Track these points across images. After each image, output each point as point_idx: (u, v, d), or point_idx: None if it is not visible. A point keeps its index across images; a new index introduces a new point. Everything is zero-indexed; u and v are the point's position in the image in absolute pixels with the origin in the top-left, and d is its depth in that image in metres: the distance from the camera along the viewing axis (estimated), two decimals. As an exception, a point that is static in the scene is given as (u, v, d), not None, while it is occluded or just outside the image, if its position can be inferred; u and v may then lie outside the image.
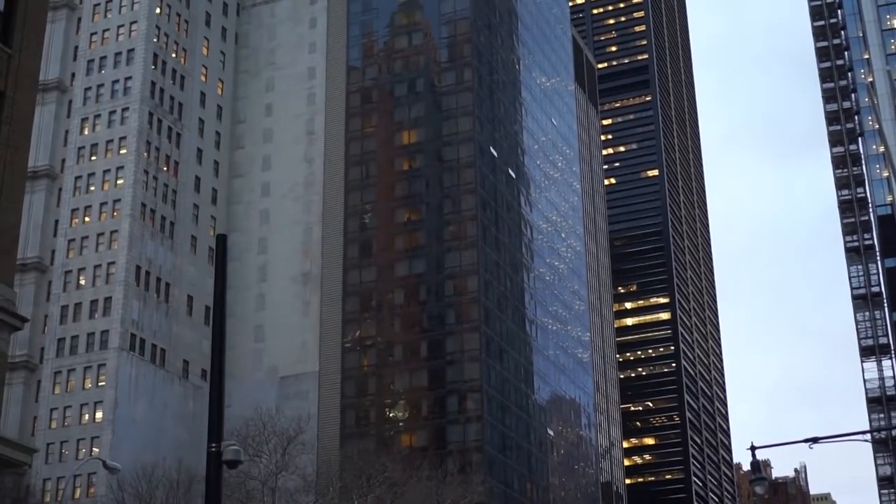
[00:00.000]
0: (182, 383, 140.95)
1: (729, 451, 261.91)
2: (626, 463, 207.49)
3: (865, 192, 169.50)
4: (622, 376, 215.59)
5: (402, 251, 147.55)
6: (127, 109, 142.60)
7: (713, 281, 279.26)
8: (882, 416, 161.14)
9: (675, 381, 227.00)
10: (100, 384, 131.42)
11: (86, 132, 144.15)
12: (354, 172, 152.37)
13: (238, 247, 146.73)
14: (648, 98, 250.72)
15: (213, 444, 22.82)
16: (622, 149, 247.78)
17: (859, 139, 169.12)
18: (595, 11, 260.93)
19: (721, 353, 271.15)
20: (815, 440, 36.32)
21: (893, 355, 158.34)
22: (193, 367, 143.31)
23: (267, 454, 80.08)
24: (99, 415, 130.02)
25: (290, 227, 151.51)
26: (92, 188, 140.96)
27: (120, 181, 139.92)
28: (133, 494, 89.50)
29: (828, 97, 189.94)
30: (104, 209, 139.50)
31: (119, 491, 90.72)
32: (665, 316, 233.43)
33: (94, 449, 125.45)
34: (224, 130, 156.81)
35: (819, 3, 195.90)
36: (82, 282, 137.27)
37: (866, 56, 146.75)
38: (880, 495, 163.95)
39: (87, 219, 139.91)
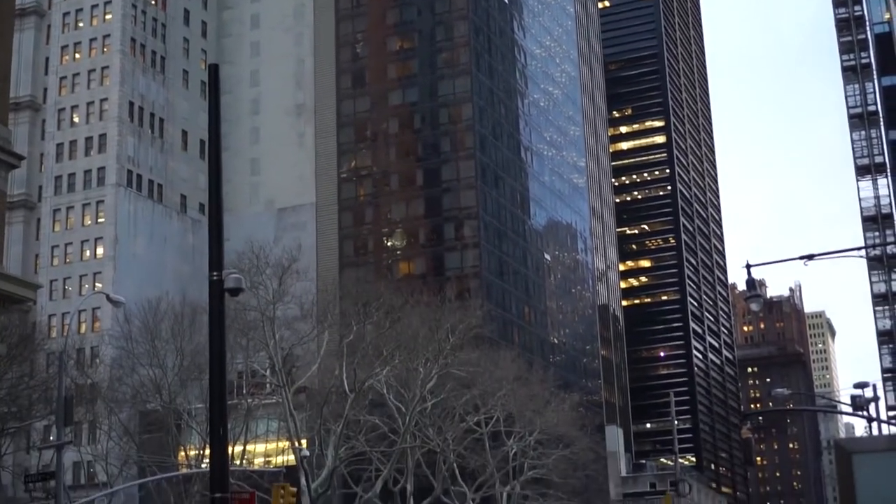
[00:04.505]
0: (180, 217, 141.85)
1: (724, 271, 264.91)
2: (623, 285, 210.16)
3: (863, 9, 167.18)
4: (618, 200, 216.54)
5: (396, 80, 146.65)
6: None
7: (708, 104, 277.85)
8: (877, 234, 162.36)
9: (670, 204, 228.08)
10: (99, 220, 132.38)
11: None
12: (345, 1, 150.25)
13: (230, 80, 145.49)
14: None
15: (215, 273, 23.40)
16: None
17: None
18: None
19: (716, 175, 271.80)
20: (810, 257, 36.49)
21: (889, 174, 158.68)
22: (191, 202, 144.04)
23: (263, 285, 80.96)
24: (100, 251, 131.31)
25: (281, 59, 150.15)
26: (80, 24, 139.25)
27: (108, 16, 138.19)
28: (139, 327, 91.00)
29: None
30: (94, 45, 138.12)
31: (126, 324, 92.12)
32: (660, 139, 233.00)
33: (96, 284, 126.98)
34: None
35: None
36: (76, 119, 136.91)
37: None
38: (875, 312, 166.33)
39: (77, 55, 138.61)
